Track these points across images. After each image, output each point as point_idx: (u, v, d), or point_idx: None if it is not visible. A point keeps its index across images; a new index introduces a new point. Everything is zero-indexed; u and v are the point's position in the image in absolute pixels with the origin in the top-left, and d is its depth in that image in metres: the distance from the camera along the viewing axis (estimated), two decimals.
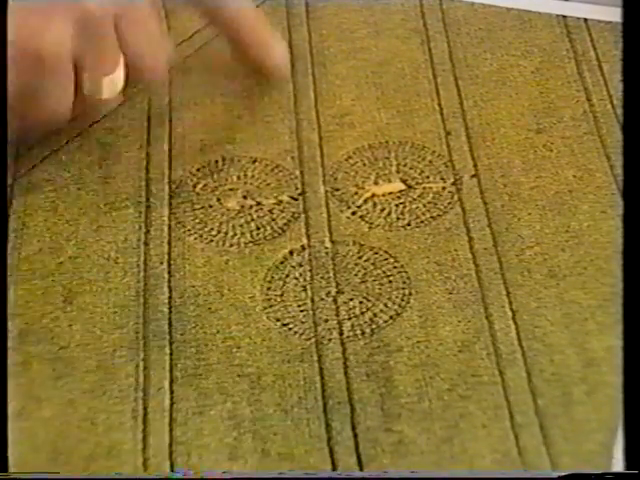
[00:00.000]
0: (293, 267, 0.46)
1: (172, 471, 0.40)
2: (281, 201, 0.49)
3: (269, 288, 0.46)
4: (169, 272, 0.46)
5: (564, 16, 0.56)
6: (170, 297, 0.46)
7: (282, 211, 0.49)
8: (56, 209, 0.49)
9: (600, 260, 0.46)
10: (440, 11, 0.57)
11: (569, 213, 0.48)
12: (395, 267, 0.46)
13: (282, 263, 0.47)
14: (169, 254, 0.47)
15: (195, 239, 0.48)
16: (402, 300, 0.45)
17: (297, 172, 0.50)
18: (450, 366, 0.43)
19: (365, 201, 0.49)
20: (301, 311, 0.45)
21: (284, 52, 0.54)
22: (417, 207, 0.48)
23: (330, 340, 0.44)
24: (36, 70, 0.46)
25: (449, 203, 0.48)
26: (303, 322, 0.44)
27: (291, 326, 0.44)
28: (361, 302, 0.45)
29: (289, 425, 0.41)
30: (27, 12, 0.45)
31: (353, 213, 0.48)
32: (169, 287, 0.46)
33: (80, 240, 0.48)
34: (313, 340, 0.44)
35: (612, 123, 0.51)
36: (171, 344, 0.44)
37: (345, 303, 0.45)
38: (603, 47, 0.54)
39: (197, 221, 0.48)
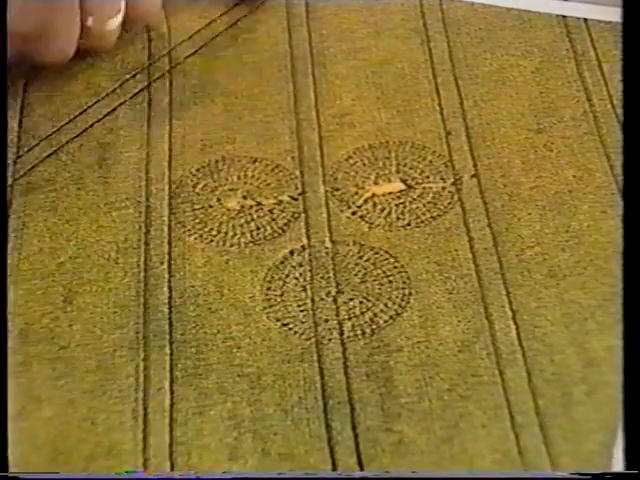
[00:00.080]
0: (293, 267, 0.46)
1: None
2: (281, 201, 0.49)
3: (269, 288, 0.46)
4: (169, 272, 0.46)
5: (564, 16, 0.56)
6: (170, 297, 0.45)
7: (282, 211, 0.49)
8: (56, 209, 0.49)
9: (600, 260, 0.46)
10: (440, 11, 0.57)
11: (569, 213, 0.48)
12: (395, 267, 0.46)
13: (282, 263, 0.47)
14: (169, 254, 0.47)
15: (195, 239, 0.48)
16: (402, 300, 0.45)
17: (297, 172, 0.50)
18: (450, 366, 0.43)
19: (365, 201, 0.49)
20: (301, 311, 0.45)
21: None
22: (417, 207, 0.48)
23: (330, 340, 0.44)
24: (47, 8, 0.49)
25: (449, 203, 0.48)
26: (303, 322, 0.44)
27: (291, 326, 0.44)
28: (361, 302, 0.45)
29: (289, 425, 0.41)
30: None
31: (353, 213, 0.48)
32: (169, 287, 0.46)
33: (80, 240, 0.48)
34: (313, 340, 0.44)
35: (612, 123, 0.51)
36: (171, 344, 0.44)
37: (345, 303, 0.45)
38: (603, 47, 0.54)
39: (197, 221, 0.48)
